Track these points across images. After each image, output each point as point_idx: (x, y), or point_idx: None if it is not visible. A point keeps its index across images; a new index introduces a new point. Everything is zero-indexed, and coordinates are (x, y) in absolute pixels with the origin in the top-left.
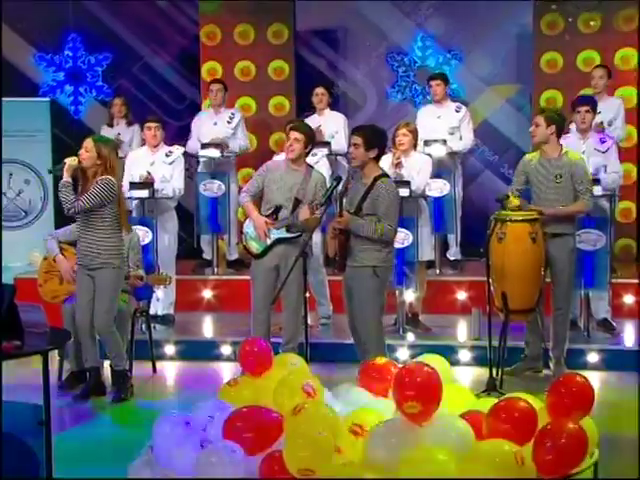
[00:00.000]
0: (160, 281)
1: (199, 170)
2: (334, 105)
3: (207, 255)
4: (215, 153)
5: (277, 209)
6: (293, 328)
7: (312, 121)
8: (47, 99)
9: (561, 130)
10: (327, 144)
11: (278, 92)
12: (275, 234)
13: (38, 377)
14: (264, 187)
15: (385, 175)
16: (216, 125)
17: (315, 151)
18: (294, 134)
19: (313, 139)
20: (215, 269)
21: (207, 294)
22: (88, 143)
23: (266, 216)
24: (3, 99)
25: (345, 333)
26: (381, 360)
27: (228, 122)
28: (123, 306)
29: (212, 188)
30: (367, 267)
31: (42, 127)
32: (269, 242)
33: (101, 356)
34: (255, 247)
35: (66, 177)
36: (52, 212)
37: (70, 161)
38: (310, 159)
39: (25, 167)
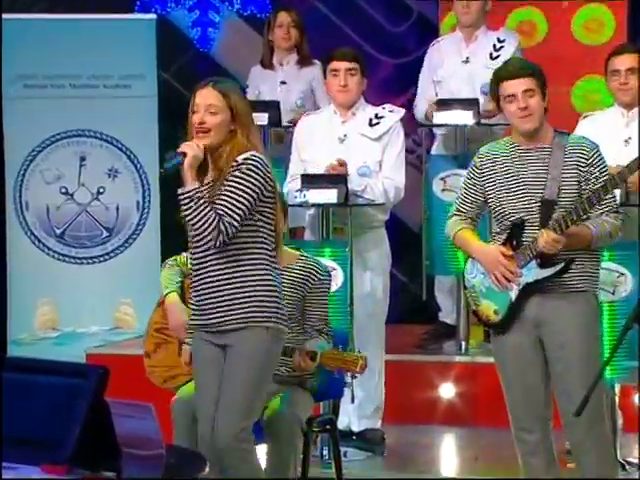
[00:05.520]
0: (348, 364)
1: (433, 152)
2: None
3: (446, 316)
4: (466, 118)
5: (517, 227)
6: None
7: None
8: (152, 17)
9: None
10: None
11: None
12: (522, 276)
13: None
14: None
15: None
16: (468, 63)
17: None
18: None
19: None
20: (463, 343)
21: (447, 391)
22: (211, 95)
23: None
24: (70, 17)
25: None
26: None
27: (492, 57)
28: (280, 410)
29: (459, 186)
30: None
31: (142, 70)
32: (514, 293)
33: None
34: (492, 308)
35: (192, 180)
36: (158, 229)
37: (193, 148)
38: None
39: (111, 145)
